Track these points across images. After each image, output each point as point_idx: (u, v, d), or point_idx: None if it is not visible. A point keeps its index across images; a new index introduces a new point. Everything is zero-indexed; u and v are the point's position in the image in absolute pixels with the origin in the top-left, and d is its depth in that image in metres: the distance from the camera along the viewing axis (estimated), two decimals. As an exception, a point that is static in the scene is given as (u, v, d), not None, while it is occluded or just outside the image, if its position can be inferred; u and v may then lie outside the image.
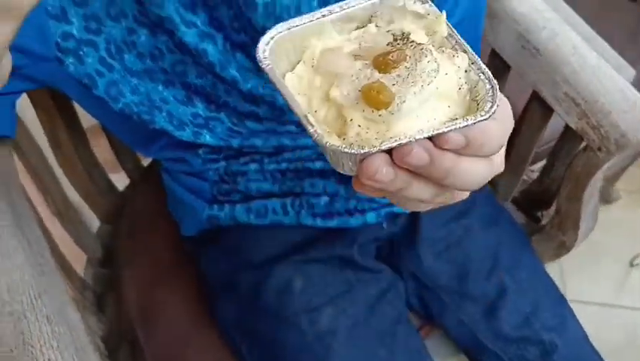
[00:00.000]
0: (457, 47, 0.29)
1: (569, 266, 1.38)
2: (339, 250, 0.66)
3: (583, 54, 0.67)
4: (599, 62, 0.67)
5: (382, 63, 0.27)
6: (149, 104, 0.52)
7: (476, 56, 0.28)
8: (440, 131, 0.26)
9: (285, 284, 0.64)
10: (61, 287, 0.50)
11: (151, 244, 0.81)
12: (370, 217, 0.65)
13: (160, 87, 0.52)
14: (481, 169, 0.28)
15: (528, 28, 0.69)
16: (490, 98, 0.27)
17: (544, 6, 0.70)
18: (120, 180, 0.89)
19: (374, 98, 0.26)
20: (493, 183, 0.87)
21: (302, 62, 0.30)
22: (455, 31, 0.29)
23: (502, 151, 0.32)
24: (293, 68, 0.30)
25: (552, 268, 0.81)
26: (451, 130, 0.26)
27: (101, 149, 0.83)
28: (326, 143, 0.26)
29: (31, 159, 0.65)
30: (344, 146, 0.26)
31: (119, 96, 0.51)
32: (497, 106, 0.27)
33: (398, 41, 0.29)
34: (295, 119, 0.54)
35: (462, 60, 0.28)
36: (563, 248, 0.79)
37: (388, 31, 0.30)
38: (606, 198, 1.49)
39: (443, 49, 0.29)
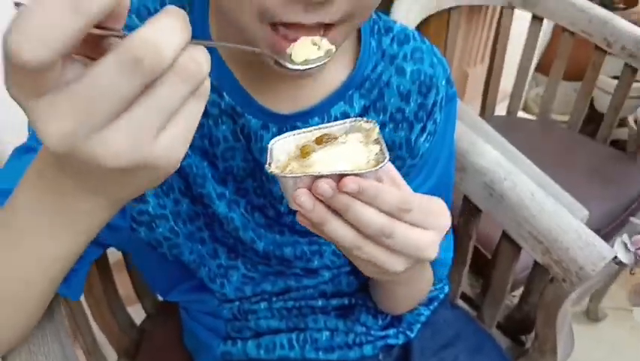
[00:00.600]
0: (376, 141, 0.43)
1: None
2: (341, 380, 0.73)
3: (540, 200, 0.79)
4: (555, 206, 0.79)
5: (320, 139, 0.43)
6: (199, 260, 0.62)
7: (384, 147, 0.42)
8: (335, 171, 0.39)
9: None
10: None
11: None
12: (367, 350, 0.73)
13: (199, 245, 0.63)
14: (378, 220, 0.39)
15: (492, 179, 0.82)
16: (380, 165, 0.40)
17: (505, 161, 0.84)
18: (134, 312, 0.97)
19: (304, 152, 0.42)
20: (479, 311, 0.96)
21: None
22: (381, 137, 0.43)
23: (428, 237, 0.42)
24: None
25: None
26: (345, 173, 0.38)
27: (121, 283, 0.92)
28: (270, 171, 0.40)
29: (70, 302, 0.74)
30: (281, 174, 0.39)
31: (179, 256, 0.61)
32: (376, 170, 0.39)
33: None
34: (299, 265, 0.65)
35: (374, 148, 0.42)
36: (547, 370, 0.86)
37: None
38: (593, 316, 1.56)
39: (368, 143, 0.43)
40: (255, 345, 0.72)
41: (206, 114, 0.53)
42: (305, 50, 0.43)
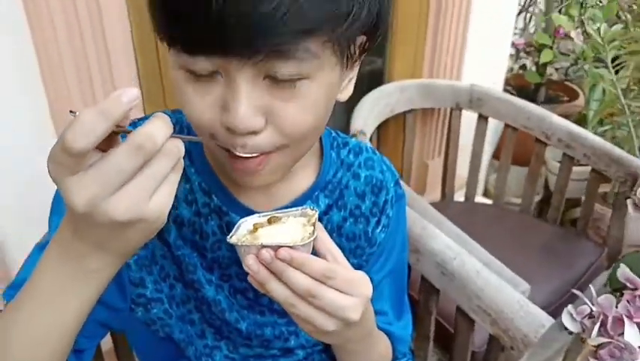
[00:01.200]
0: (312, 225, 0.54)
1: None
2: None
3: (485, 276, 0.91)
4: (498, 281, 0.91)
5: (271, 220, 0.55)
6: (188, 340, 0.71)
7: (316, 227, 0.53)
8: (274, 243, 0.50)
9: None
10: None
11: None
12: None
13: (189, 326, 0.72)
14: (304, 282, 0.50)
15: (444, 259, 0.94)
16: (307, 240, 0.51)
17: (454, 243, 0.96)
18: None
19: (255, 228, 0.54)
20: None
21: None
22: (317, 220, 0.55)
23: (350, 301, 0.52)
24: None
25: None
26: (281, 245, 0.50)
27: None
28: (229, 240, 0.51)
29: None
30: (236, 242, 0.51)
31: (170, 334, 0.70)
32: (304, 244, 0.51)
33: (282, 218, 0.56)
34: (278, 345, 0.74)
35: (310, 229, 0.54)
36: None
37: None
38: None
39: (307, 225, 0.55)
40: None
41: (198, 214, 0.65)
42: None
